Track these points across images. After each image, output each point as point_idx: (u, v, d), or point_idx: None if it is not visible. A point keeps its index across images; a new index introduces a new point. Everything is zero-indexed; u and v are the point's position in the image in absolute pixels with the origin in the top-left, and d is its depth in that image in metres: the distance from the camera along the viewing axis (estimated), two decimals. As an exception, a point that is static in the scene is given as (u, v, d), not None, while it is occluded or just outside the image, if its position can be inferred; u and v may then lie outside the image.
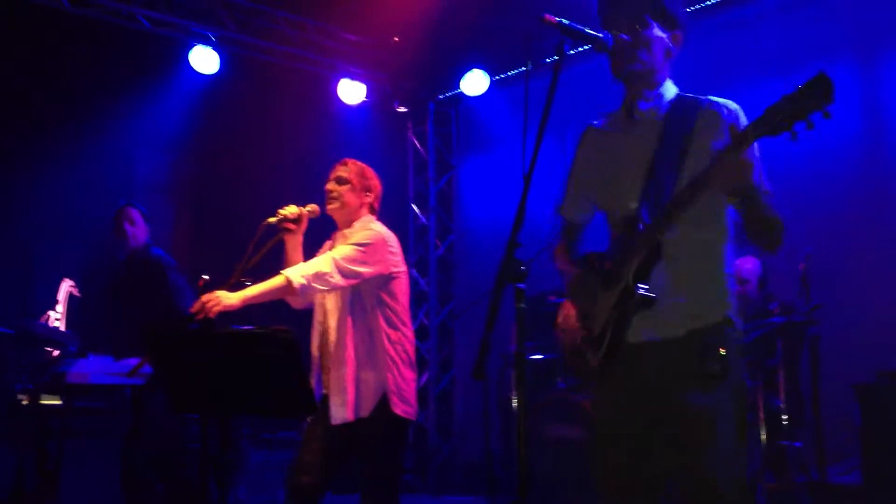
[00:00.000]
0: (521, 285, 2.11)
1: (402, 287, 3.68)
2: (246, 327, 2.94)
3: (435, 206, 8.64)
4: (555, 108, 2.24)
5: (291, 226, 3.64)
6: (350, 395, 3.48)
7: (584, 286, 2.51)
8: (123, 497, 4.53)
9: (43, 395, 4.87)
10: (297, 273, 3.39)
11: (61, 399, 4.89)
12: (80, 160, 6.91)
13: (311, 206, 3.68)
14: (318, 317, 3.70)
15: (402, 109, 8.44)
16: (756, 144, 2.17)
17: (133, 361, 4.19)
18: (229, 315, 3.24)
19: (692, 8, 6.35)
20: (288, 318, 3.56)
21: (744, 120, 2.42)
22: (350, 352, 3.53)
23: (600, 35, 2.36)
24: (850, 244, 5.52)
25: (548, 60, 7.81)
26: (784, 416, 4.69)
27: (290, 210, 3.63)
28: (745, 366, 4.53)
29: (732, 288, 2.46)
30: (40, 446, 4.86)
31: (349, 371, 3.51)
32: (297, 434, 6.00)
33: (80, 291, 5.60)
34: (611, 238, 2.54)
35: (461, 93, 8.01)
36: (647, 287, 2.32)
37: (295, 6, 7.31)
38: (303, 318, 3.76)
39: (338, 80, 7.89)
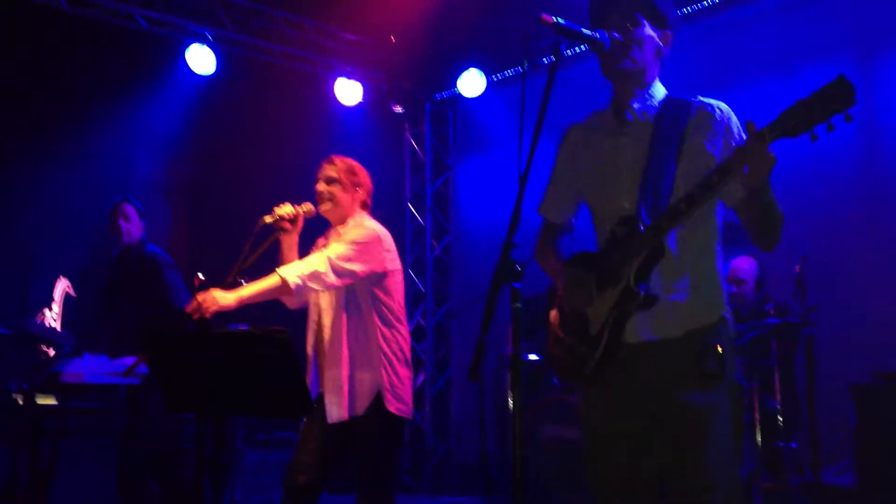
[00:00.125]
0: (518, 286, 2.12)
1: (396, 284, 3.67)
2: (241, 326, 2.93)
3: (431, 207, 8.61)
4: (552, 108, 2.23)
5: (287, 225, 3.63)
6: (345, 394, 3.48)
7: (577, 286, 2.48)
8: (119, 497, 4.52)
9: (38, 395, 4.85)
10: (293, 272, 3.38)
11: (56, 399, 4.87)
12: (78, 160, 6.92)
13: (307, 205, 3.66)
14: (312, 316, 3.69)
15: (398, 110, 8.42)
16: None
17: (129, 361, 4.17)
18: (225, 314, 3.24)
19: (692, 8, 6.35)
20: (283, 316, 3.56)
21: (735, 121, 2.43)
22: (345, 350, 3.52)
23: (597, 35, 2.35)
24: (847, 244, 5.51)
25: (545, 61, 7.82)
26: (780, 417, 4.69)
27: (286, 209, 3.62)
28: (741, 366, 4.56)
29: (725, 288, 2.48)
30: (34, 446, 4.84)
31: (344, 370, 3.50)
32: (294, 434, 5.99)
33: (76, 291, 5.58)
34: (601, 238, 2.52)
35: (458, 93, 7.99)
36: (648, 287, 2.32)
37: (294, 6, 7.30)
38: (298, 317, 3.76)
39: (335, 80, 7.88)
